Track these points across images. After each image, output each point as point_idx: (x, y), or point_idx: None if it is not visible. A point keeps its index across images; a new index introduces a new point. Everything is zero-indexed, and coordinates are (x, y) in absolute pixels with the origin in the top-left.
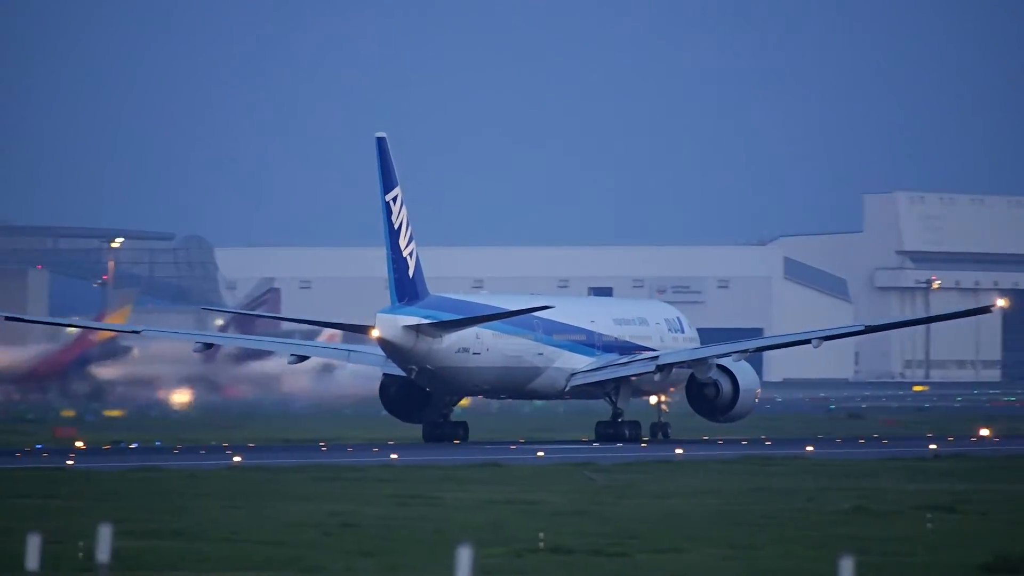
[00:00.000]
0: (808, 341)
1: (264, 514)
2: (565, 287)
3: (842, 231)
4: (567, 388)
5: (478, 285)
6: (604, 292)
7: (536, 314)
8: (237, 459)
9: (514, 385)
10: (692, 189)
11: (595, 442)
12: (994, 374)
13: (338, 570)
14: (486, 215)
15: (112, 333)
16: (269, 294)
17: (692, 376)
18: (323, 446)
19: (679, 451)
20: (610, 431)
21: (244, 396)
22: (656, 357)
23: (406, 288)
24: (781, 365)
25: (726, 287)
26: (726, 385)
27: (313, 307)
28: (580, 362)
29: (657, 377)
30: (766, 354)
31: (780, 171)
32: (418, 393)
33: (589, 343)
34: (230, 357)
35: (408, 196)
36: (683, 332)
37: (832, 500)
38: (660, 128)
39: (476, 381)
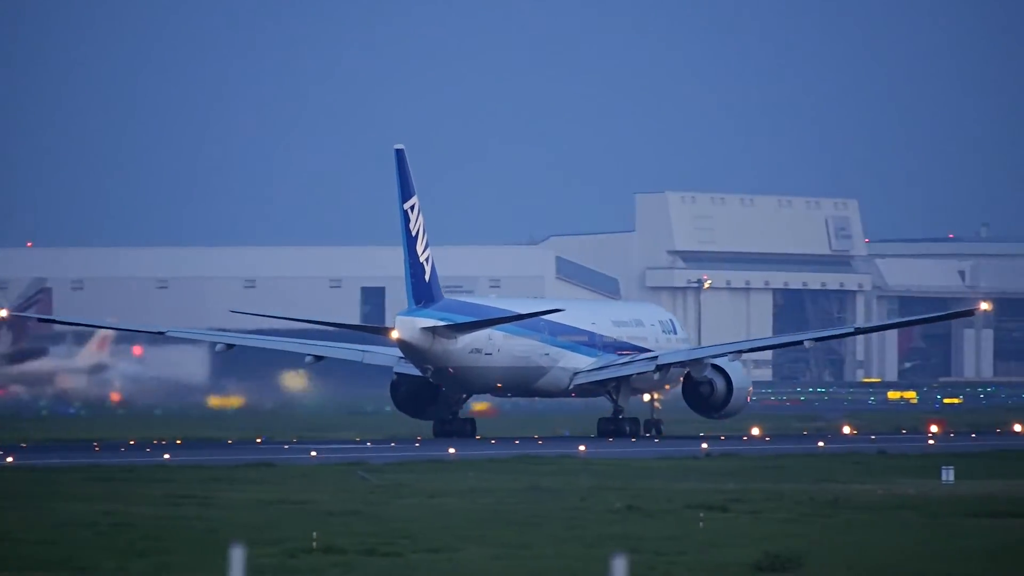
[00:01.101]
0: (801, 342)
1: (36, 514)
2: (338, 287)
3: (614, 231)
4: (571, 386)
5: (250, 285)
6: (378, 292)
7: (542, 317)
8: (9, 459)
9: (522, 384)
10: (465, 190)
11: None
12: (765, 373)
13: (111, 570)
14: (255, 214)
15: None
16: (40, 294)
17: (688, 375)
18: (96, 446)
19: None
20: (611, 427)
21: (17, 396)
22: (656, 357)
23: (422, 291)
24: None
25: (498, 286)
26: (720, 384)
27: (86, 308)
28: (583, 362)
29: (657, 376)
30: None
31: (552, 171)
32: (427, 392)
33: (591, 344)
34: (2, 357)
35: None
36: (676, 333)
37: (605, 499)
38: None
39: (487, 380)
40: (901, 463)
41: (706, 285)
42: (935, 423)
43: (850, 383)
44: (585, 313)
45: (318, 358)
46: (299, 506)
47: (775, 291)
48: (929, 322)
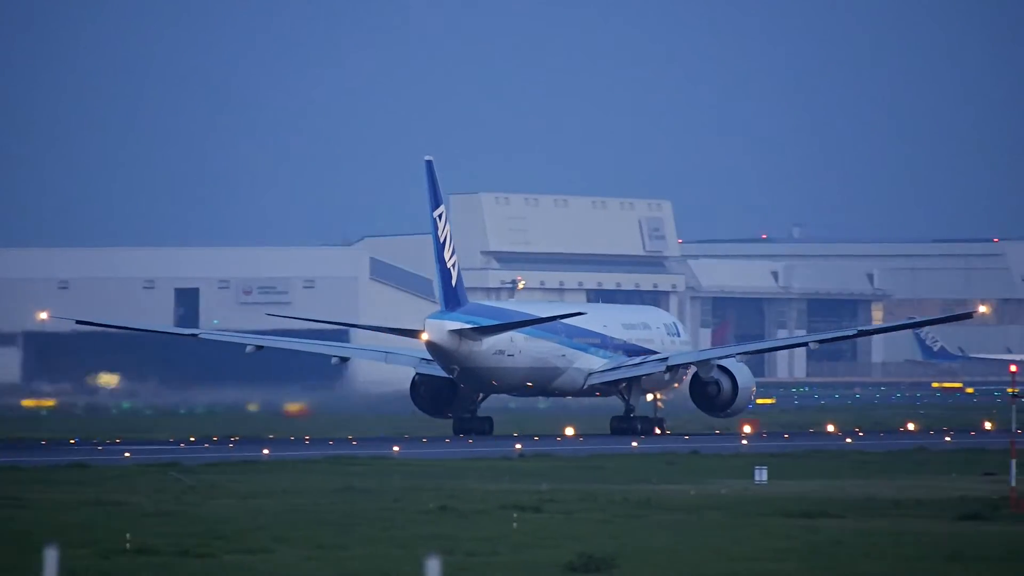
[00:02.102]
0: (806, 344)
1: None
2: (151, 288)
3: (430, 232)
4: (585, 386)
5: (64, 286)
6: (192, 294)
7: (560, 320)
8: None
9: (540, 383)
10: (282, 190)
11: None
12: None
13: None
14: (72, 214)
15: None
16: None
17: (696, 375)
18: None
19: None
20: (624, 425)
21: None
22: (666, 358)
23: (450, 296)
24: (371, 365)
25: (312, 287)
26: (726, 383)
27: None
28: (596, 363)
29: (667, 376)
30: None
31: (368, 171)
32: (447, 391)
33: (603, 346)
34: None
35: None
36: (679, 336)
37: (418, 500)
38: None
39: (509, 380)
40: (714, 463)
41: (520, 286)
42: (748, 423)
43: None
44: (597, 317)
45: (343, 359)
46: (113, 507)
47: (589, 292)
48: (933, 324)
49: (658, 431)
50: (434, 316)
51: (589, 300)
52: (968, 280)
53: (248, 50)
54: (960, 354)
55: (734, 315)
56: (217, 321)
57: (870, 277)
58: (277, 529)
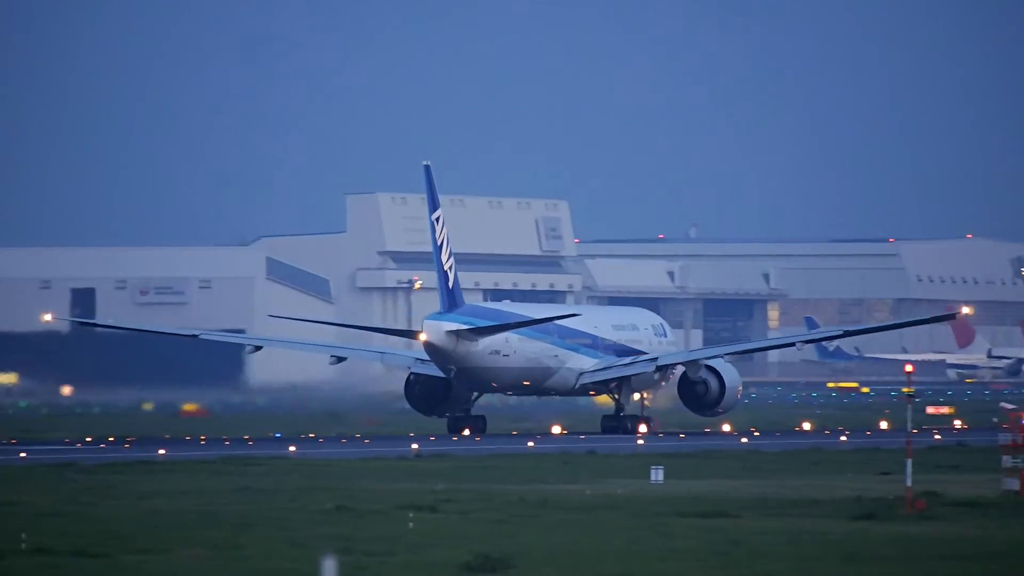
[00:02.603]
0: (792, 344)
1: None
2: (48, 288)
3: (327, 231)
4: (576, 385)
5: None
6: (88, 294)
7: (553, 322)
8: None
9: (534, 383)
10: (174, 189)
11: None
12: None
13: None
14: None
15: None
16: None
17: (684, 375)
18: None
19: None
20: (614, 424)
21: None
22: (656, 358)
23: (447, 297)
24: (267, 366)
25: (208, 288)
26: (714, 383)
27: None
28: (588, 363)
29: (656, 376)
30: (254, 357)
31: (265, 171)
32: (440, 390)
33: (594, 346)
34: None
35: None
36: (666, 336)
37: (315, 500)
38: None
39: (504, 379)
40: (611, 463)
41: (417, 286)
42: (644, 423)
43: None
44: (588, 318)
45: (340, 359)
46: (9, 507)
47: (485, 291)
48: (917, 324)
49: (645, 429)
50: (432, 317)
51: (485, 300)
52: (864, 280)
53: (120, 49)
54: (856, 354)
55: None
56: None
57: (766, 277)
58: (173, 529)
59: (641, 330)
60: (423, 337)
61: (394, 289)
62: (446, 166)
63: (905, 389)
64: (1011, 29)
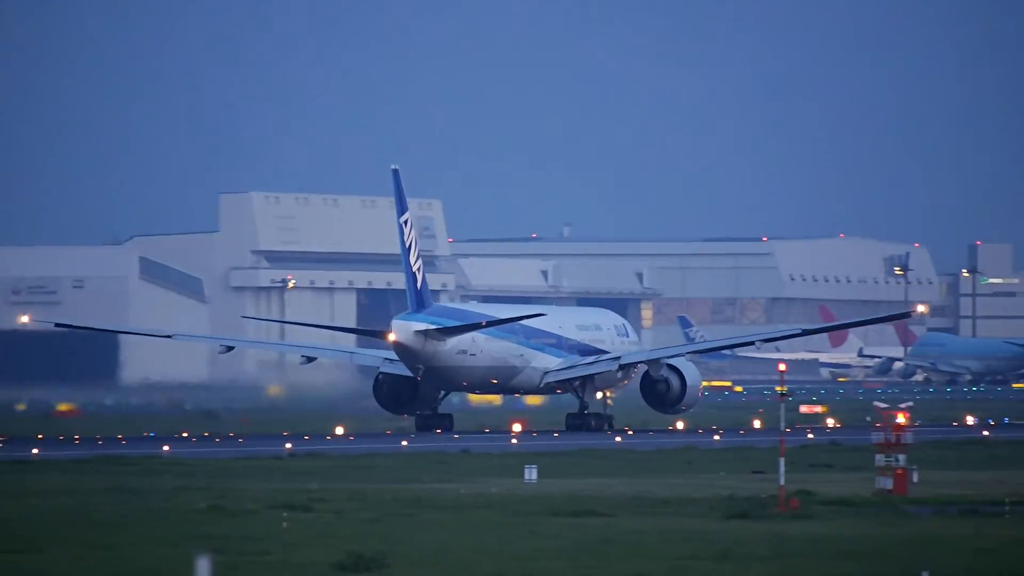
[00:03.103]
0: (752, 343)
1: None
2: None
3: (200, 231)
4: (541, 384)
5: None
6: None
7: (519, 322)
8: None
9: (500, 381)
10: (46, 188)
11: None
12: (348, 374)
13: None
14: None
15: None
16: None
17: (646, 373)
18: None
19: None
20: (578, 422)
21: None
22: (619, 357)
23: (415, 298)
24: (141, 366)
25: (82, 287)
26: (675, 381)
27: None
28: (552, 362)
29: (619, 375)
30: (125, 355)
31: (139, 170)
32: (408, 389)
33: (558, 346)
34: None
35: None
36: (628, 336)
37: (189, 499)
38: None
39: (471, 378)
40: (485, 462)
41: (290, 285)
42: (519, 422)
43: None
44: (553, 319)
45: (309, 359)
46: None
47: (359, 291)
48: (871, 324)
49: (608, 428)
50: (401, 317)
51: (359, 301)
52: (737, 279)
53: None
54: (729, 353)
55: None
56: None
57: (640, 276)
58: (46, 529)
59: (604, 330)
60: (392, 337)
61: (267, 288)
62: (319, 164)
63: (778, 388)
64: (891, 30)
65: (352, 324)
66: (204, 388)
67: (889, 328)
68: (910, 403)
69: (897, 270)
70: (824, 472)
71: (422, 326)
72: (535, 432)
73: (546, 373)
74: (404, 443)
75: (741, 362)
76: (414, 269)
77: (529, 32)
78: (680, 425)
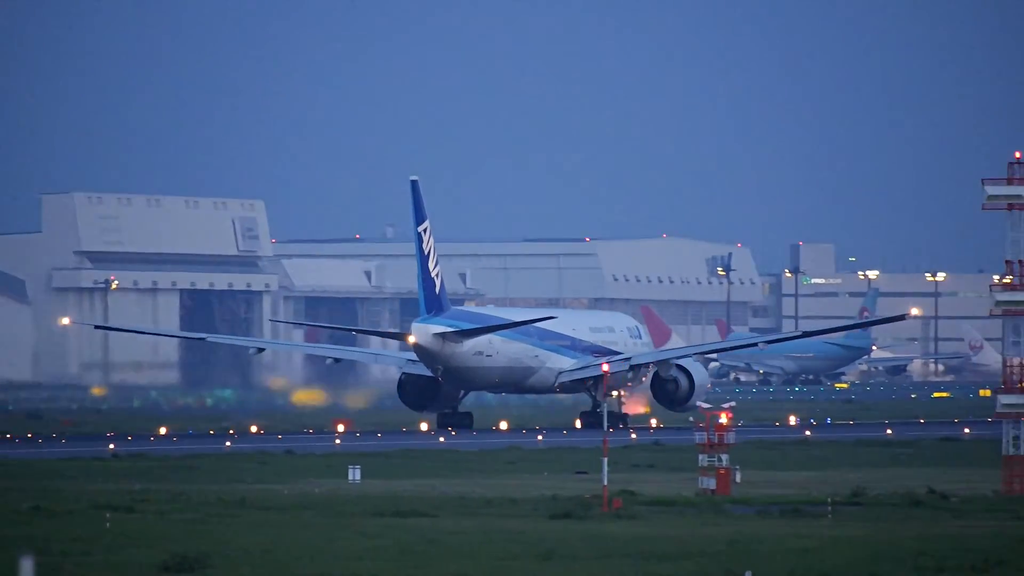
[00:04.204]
0: (755, 344)
1: None
2: None
3: (21, 231)
4: (556, 384)
5: None
6: None
7: (534, 324)
8: None
9: (515, 382)
10: None
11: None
12: (173, 376)
13: None
14: None
15: None
16: None
17: (656, 373)
18: None
19: None
20: (591, 420)
21: None
22: (629, 358)
23: (433, 302)
24: None
25: None
26: (684, 381)
27: None
28: (566, 363)
29: (630, 375)
30: None
31: None
32: (430, 389)
33: (572, 347)
34: None
35: None
36: (641, 338)
37: (11, 500)
38: None
39: (487, 378)
40: (309, 462)
41: (113, 286)
42: (342, 423)
43: (257, 385)
44: (567, 321)
45: (337, 360)
46: None
47: (183, 291)
48: (867, 326)
49: (621, 425)
50: (420, 321)
51: (183, 302)
52: (560, 279)
53: None
54: None
55: (327, 314)
56: None
57: (463, 277)
58: None
59: (617, 332)
60: (412, 339)
61: (91, 289)
62: (140, 165)
63: (605, 391)
64: (725, 31)
65: (175, 325)
66: (27, 388)
67: (713, 328)
68: (732, 403)
69: (719, 270)
70: (647, 472)
71: (440, 329)
72: (359, 432)
73: (560, 373)
74: (227, 444)
75: None
76: (433, 275)
77: (343, 33)
78: (504, 425)
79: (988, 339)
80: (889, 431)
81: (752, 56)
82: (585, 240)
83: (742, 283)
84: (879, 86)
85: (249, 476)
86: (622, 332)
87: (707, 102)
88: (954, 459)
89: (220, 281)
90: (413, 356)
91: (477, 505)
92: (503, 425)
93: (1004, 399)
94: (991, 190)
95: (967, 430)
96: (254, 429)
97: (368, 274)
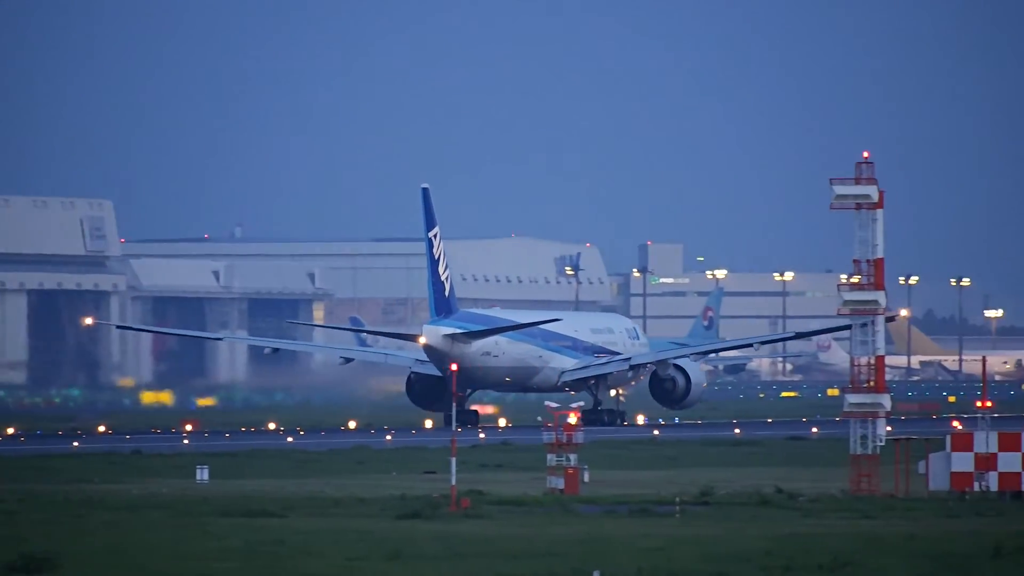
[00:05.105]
0: (751, 345)
1: None
2: None
3: None
4: (559, 383)
5: None
6: None
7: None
8: None
9: (520, 381)
10: None
11: None
12: (20, 375)
13: None
14: None
15: None
16: None
17: (655, 373)
18: None
19: None
20: (592, 417)
21: None
22: (629, 358)
23: (442, 304)
24: None
25: None
26: (681, 380)
27: None
28: (569, 363)
29: (630, 374)
30: None
31: None
32: (438, 388)
33: (574, 348)
34: None
35: None
36: (639, 339)
37: None
38: None
39: (494, 378)
40: (157, 463)
41: None
42: (190, 423)
43: (106, 385)
44: (569, 323)
45: (348, 360)
46: None
47: (30, 292)
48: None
49: (620, 422)
50: (431, 322)
51: (30, 302)
52: (409, 279)
53: None
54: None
55: (175, 314)
56: None
57: (311, 276)
58: None
59: (616, 333)
60: (422, 340)
61: None
62: None
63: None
64: (586, 30)
65: (24, 327)
66: None
67: None
68: (581, 403)
69: (568, 270)
70: (496, 472)
71: (450, 330)
72: (207, 433)
73: (563, 373)
74: (75, 444)
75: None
76: (442, 278)
77: (220, 34)
78: (352, 424)
79: (836, 338)
80: (737, 431)
81: (602, 55)
82: None
83: (591, 283)
84: (727, 88)
85: (98, 476)
86: (621, 333)
87: (558, 103)
88: (802, 458)
89: (68, 281)
90: (422, 356)
91: (326, 505)
92: (351, 424)
93: (852, 398)
94: (839, 189)
95: (815, 429)
96: (102, 429)
97: (216, 274)
